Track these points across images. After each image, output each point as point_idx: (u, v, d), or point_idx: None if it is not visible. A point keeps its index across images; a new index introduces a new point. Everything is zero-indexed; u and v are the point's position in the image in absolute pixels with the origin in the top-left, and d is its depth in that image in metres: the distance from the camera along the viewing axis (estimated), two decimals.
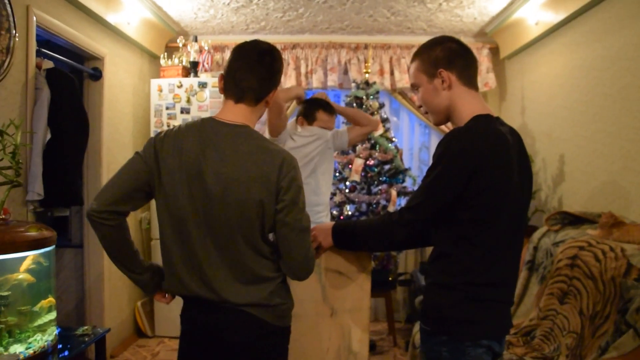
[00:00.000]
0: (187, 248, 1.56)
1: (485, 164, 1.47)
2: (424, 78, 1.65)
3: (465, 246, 1.53)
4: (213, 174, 1.51)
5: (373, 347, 4.15)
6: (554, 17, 3.65)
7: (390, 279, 4.26)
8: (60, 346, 2.28)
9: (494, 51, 4.83)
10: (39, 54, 2.98)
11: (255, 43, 1.63)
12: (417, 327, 3.05)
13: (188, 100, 4.33)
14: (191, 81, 4.34)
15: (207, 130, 1.57)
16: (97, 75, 3.74)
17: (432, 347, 1.59)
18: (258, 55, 1.60)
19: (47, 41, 3.24)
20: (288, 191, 1.54)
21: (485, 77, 4.77)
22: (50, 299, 2.20)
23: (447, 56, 1.62)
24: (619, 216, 2.70)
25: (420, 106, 1.74)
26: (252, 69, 1.59)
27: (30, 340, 2.06)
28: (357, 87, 4.48)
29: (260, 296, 1.56)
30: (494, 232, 1.52)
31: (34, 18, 2.86)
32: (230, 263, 1.55)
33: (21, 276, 2.05)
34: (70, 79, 3.17)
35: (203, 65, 4.58)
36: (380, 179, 4.41)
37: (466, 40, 4.75)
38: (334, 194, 4.42)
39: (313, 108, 3.20)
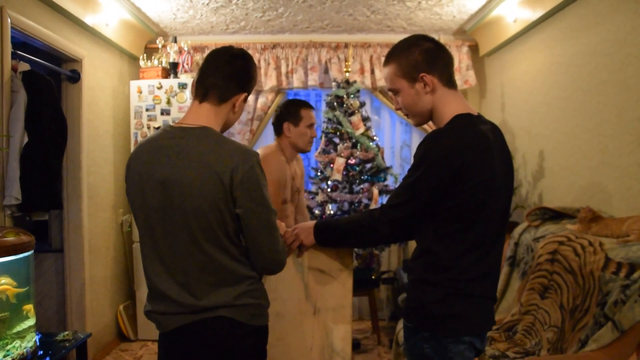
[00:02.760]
0: (159, 256, 1.57)
1: (468, 163, 1.47)
2: (404, 83, 1.62)
3: (449, 243, 1.54)
4: (168, 182, 1.51)
5: (357, 346, 4.16)
6: (532, 14, 3.69)
7: (373, 277, 4.27)
8: (40, 352, 2.24)
9: (474, 49, 4.86)
10: (14, 56, 2.93)
11: (228, 48, 1.68)
12: (400, 325, 3.06)
13: (168, 102, 4.29)
14: (171, 82, 4.31)
15: (162, 138, 1.57)
16: (75, 77, 3.69)
17: (415, 343, 1.59)
18: (229, 57, 1.63)
19: (23, 43, 3.18)
20: (246, 195, 1.50)
21: (465, 74, 4.80)
22: (30, 305, 2.17)
23: (426, 59, 1.59)
24: (597, 211, 2.74)
25: (398, 108, 1.71)
26: (218, 68, 1.61)
27: (8, 347, 2.02)
28: (338, 86, 4.48)
29: (231, 297, 1.55)
30: (477, 229, 1.53)
31: (9, 20, 2.81)
32: (201, 267, 1.54)
33: (3, 281, 2.02)
34: (48, 82, 3.12)
35: (183, 66, 4.54)
36: (362, 177, 4.41)
37: (445, 38, 4.86)
38: (315, 194, 4.42)
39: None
